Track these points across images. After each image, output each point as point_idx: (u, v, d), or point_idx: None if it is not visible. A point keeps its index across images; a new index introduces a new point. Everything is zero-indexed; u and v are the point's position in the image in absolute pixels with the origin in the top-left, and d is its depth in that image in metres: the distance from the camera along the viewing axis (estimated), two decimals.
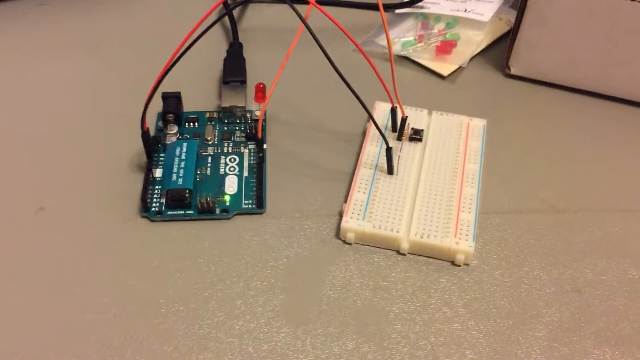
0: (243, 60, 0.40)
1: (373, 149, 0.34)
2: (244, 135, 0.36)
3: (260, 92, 0.33)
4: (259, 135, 0.32)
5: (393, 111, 0.34)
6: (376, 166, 0.33)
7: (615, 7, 0.35)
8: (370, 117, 0.31)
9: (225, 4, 0.44)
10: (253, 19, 0.45)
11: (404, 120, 0.34)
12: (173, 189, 0.32)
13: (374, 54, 0.42)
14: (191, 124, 0.37)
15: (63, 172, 0.35)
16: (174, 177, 0.33)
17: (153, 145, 0.34)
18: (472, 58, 0.42)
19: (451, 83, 0.41)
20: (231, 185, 0.33)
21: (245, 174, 0.34)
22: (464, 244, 0.30)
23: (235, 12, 0.45)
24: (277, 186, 0.34)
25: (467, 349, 0.28)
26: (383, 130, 0.35)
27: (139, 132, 0.32)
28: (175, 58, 0.29)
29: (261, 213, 0.33)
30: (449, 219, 0.31)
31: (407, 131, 0.35)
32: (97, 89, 0.40)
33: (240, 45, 0.41)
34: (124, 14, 0.46)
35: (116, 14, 0.46)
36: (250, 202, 0.33)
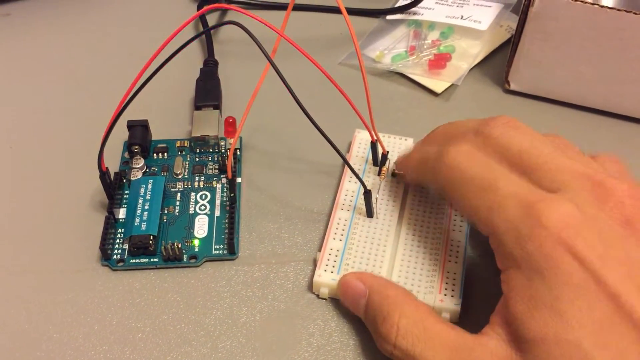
0: (217, 81, 0.36)
1: (352, 186, 0.31)
2: (217, 167, 0.33)
3: (230, 127, 0.30)
4: (229, 175, 0.29)
5: (373, 145, 0.31)
6: (354, 207, 0.30)
7: (624, 20, 0.32)
8: (345, 162, 0.28)
9: (201, 18, 0.40)
10: (230, 28, 0.41)
11: (384, 156, 0.31)
12: (136, 236, 0.29)
13: None
14: (160, 154, 0.34)
15: (9, 212, 0.32)
16: (137, 221, 0.30)
17: (117, 182, 0.31)
18: (469, 71, 0.39)
19: (445, 101, 0.37)
20: (201, 227, 0.31)
21: (217, 213, 0.31)
22: (449, 302, 0.26)
23: (210, 22, 0.42)
24: (251, 227, 0.31)
25: None
26: (364, 164, 0.32)
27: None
28: (133, 91, 0.26)
29: (233, 259, 0.30)
30: (434, 271, 0.27)
31: (387, 168, 0.31)
32: (55, 112, 0.37)
33: (216, 63, 0.38)
34: (93, 27, 0.43)
35: (85, 27, 0.42)
36: (222, 246, 0.30)
